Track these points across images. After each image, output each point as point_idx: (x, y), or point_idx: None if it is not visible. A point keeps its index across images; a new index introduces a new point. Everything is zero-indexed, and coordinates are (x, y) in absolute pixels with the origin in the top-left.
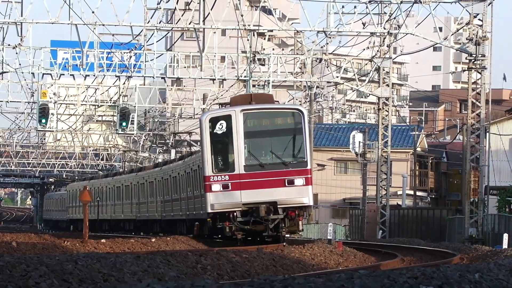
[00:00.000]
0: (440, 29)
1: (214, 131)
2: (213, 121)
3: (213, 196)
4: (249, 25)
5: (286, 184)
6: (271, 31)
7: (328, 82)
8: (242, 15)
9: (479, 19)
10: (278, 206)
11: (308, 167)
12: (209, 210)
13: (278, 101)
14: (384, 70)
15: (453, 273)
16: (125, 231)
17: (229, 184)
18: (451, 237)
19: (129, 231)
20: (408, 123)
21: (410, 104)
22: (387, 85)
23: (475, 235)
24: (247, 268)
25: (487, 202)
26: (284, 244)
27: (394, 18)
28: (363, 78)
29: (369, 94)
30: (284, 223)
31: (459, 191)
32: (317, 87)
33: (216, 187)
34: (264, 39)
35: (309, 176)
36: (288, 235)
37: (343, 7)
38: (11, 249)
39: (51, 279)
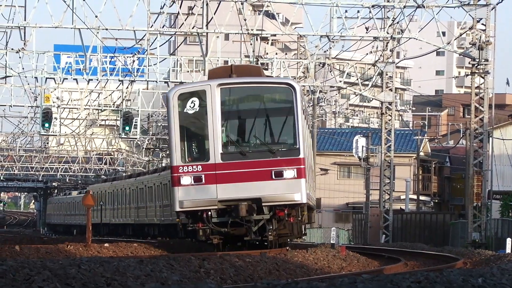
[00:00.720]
0: (443, 33)
1: (184, 111)
2: (183, 98)
3: (182, 191)
4: (252, 30)
5: (273, 177)
6: (274, 35)
7: (331, 86)
8: (245, 19)
9: (482, 24)
10: (263, 204)
11: (301, 155)
12: (178, 209)
13: (271, 76)
14: (387, 74)
15: (456, 277)
16: (150, 237)
17: (202, 176)
18: (454, 242)
19: (154, 236)
20: (411, 128)
21: (413, 108)
22: (390, 90)
23: (478, 240)
24: (250, 272)
25: (490, 207)
26: (287, 248)
27: (397, 22)
28: (366, 82)
29: (372, 99)
30: (271, 225)
31: (462, 195)
32: (320, 91)
33: (186, 180)
34: (267, 43)
35: (302, 167)
36: (288, 241)
37: (346, 11)
38: (14, 253)
39: (54, 283)
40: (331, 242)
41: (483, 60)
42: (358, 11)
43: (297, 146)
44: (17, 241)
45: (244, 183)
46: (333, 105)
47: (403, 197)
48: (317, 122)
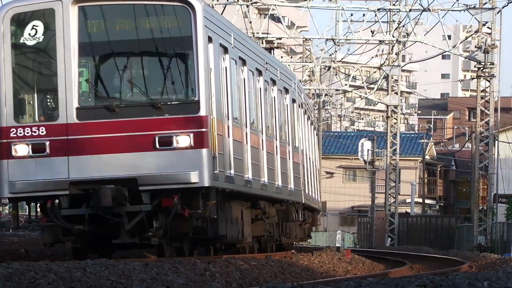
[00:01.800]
0: (449, 37)
1: (21, 41)
2: (19, 22)
3: (14, 166)
4: (257, 33)
5: (158, 146)
6: (280, 39)
7: (336, 90)
8: (250, 23)
9: (488, 27)
10: (141, 188)
11: (202, 113)
12: (6, 194)
13: None
14: (392, 78)
15: (462, 281)
16: None
17: (47, 144)
18: (460, 245)
19: None
20: (416, 131)
21: (419, 112)
22: (396, 93)
23: (483, 243)
24: (255, 275)
25: (496, 210)
26: (293, 251)
27: (403, 26)
28: (372, 86)
29: (378, 102)
30: (156, 219)
31: (467, 199)
32: (326, 95)
33: (20, 149)
34: (273, 47)
35: (204, 130)
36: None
37: (351, 15)
38: (20, 256)
39: (59, 286)
40: (337, 245)
41: (489, 63)
42: (363, 15)
43: (196, 99)
44: (22, 244)
45: (111, 155)
46: (338, 109)
47: (408, 200)
48: (322, 125)
